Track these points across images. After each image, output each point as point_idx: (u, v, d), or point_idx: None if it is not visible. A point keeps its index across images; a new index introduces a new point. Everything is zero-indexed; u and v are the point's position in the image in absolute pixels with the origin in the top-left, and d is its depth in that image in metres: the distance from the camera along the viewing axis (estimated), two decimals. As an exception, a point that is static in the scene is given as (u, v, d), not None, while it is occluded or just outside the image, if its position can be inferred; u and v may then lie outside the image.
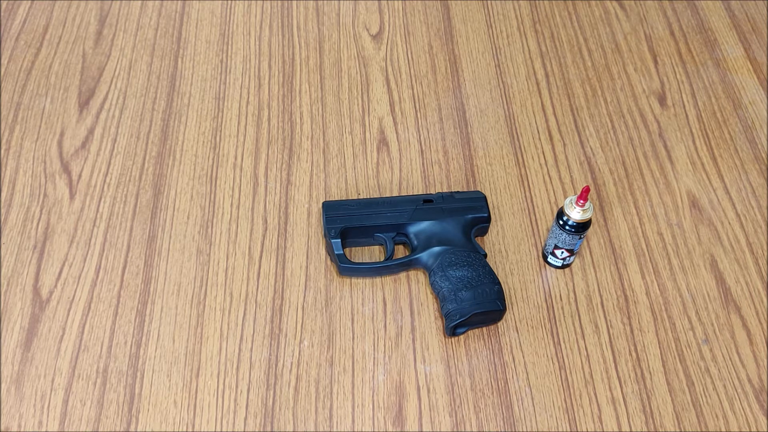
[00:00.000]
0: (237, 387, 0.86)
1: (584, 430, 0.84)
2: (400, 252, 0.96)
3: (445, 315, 0.88)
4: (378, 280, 0.94)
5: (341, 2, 1.25)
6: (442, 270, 0.89)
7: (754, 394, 0.87)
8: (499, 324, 0.91)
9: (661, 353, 0.90)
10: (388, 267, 0.93)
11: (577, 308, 0.93)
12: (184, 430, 0.83)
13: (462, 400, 0.86)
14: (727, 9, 1.26)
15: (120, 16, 1.21)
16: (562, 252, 0.93)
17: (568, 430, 0.84)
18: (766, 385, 0.88)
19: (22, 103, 1.10)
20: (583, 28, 1.23)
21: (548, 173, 1.05)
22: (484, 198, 0.97)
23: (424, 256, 0.92)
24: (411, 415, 0.85)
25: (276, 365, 0.88)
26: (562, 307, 0.93)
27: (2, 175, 1.02)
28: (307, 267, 0.95)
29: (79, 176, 1.02)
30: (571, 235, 0.90)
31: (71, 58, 1.16)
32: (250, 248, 0.97)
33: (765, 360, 0.89)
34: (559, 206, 0.98)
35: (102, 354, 0.88)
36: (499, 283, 0.89)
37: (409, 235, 0.94)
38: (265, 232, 0.98)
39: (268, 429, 0.84)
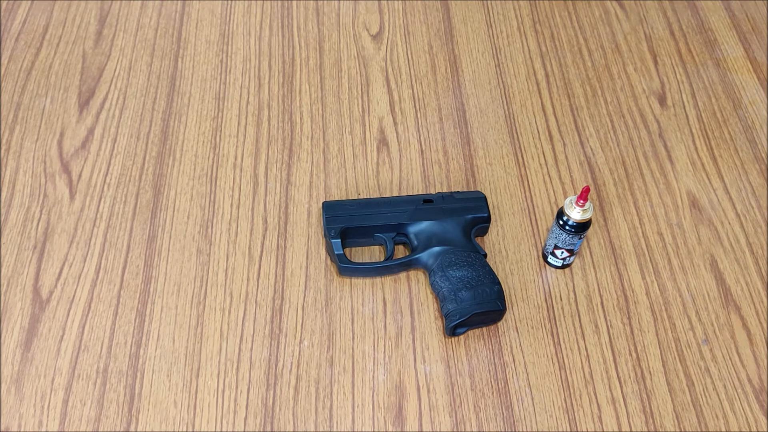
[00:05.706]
0: (237, 387, 0.86)
1: (584, 430, 0.84)
2: (400, 252, 0.96)
3: (445, 315, 0.88)
4: (378, 280, 0.94)
5: (341, 2, 1.25)
6: (442, 270, 0.89)
7: (754, 394, 0.87)
8: (499, 324, 0.91)
9: (661, 353, 0.90)
10: (388, 267, 0.93)
11: (577, 308, 0.93)
12: (184, 430, 0.83)
13: (462, 400, 0.86)
14: (727, 9, 1.26)
15: (120, 16, 1.21)
16: (562, 252, 0.93)
17: (568, 430, 0.84)
18: (766, 385, 0.88)
19: (22, 103, 1.10)
20: (583, 28, 1.23)
21: (548, 173, 1.05)
22: (484, 198, 0.97)
23: (424, 256, 0.92)
24: (411, 415, 0.85)
25: (276, 365, 0.88)
26: (562, 307, 0.93)
27: (2, 175, 1.02)
28: (307, 267, 0.95)
29: (79, 176, 1.02)
30: (571, 235, 0.90)
31: (71, 58, 1.16)
32: (250, 248, 0.97)
33: (765, 360, 0.89)
34: (559, 206, 0.98)
35: (102, 354, 0.88)
36: (499, 283, 0.89)
37: (409, 235, 0.94)
38: (265, 232, 0.98)
39: (268, 429, 0.84)
